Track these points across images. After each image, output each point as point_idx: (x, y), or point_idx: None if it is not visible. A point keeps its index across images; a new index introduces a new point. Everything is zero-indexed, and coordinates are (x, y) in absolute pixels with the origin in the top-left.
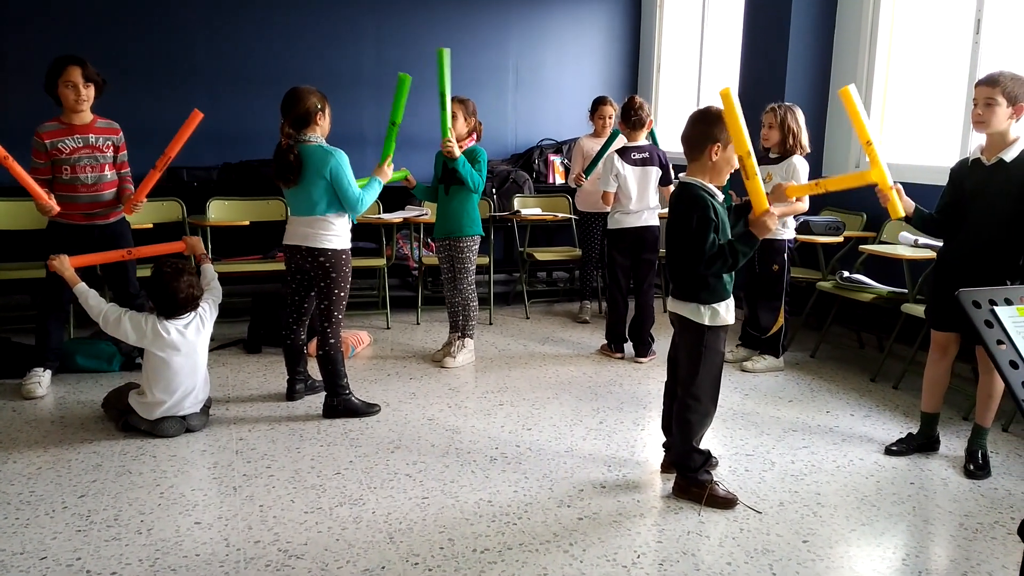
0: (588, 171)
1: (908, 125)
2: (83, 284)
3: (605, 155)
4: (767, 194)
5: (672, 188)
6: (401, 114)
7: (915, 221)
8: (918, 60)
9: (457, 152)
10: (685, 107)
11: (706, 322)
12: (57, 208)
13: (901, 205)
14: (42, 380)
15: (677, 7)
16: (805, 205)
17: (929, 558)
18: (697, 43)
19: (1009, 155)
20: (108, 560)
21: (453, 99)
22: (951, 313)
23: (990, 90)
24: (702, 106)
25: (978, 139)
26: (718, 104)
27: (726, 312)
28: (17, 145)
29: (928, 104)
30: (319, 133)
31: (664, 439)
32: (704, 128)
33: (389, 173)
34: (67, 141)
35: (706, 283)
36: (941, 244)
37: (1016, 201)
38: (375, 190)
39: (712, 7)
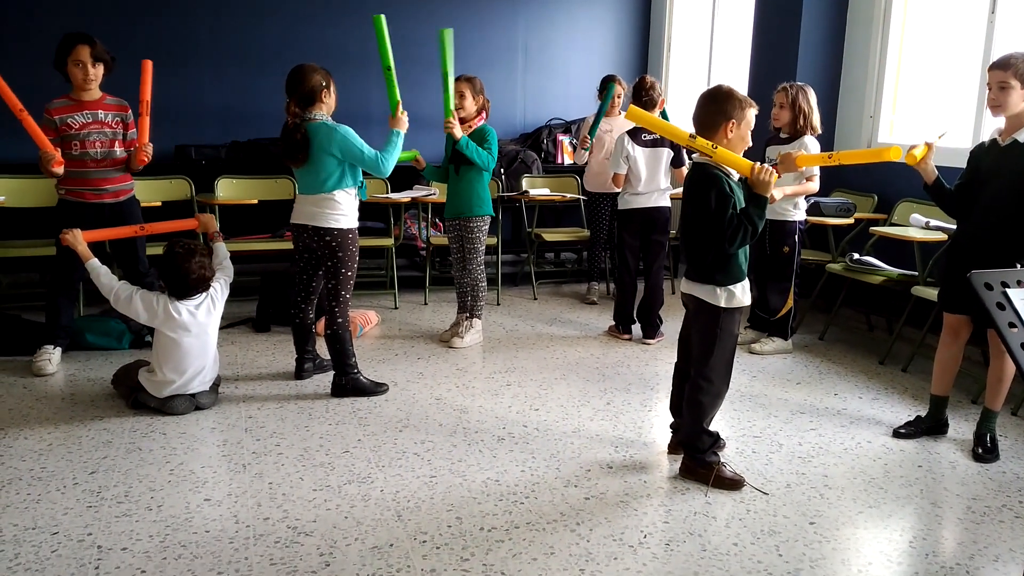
0: (592, 132)
1: (921, 106)
2: (95, 260)
3: (598, 126)
4: (776, 164)
5: (685, 170)
6: (390, 57)
7: (932, 190)
8: (932, 40)
9: (458, 132)
10: (696, 87)
11: (722, 304)
12: (60, 160)
13: (923, 163)
14: (52, 357)
15: None
16: (815, 186)
17: (936, 541)
18: (708, 22)
19: (1023, 136)
20: (119, 536)
21: (461, 77)
22: (963, 295)
23: (1003, 73)
24: (711, 85)
25: (991, 119)
26: (729, 83)
27: (742, 294)
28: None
29: (942, 85)
30: (324, 111)
31: (672, 420)
32: (717, 107)
33: (404, 121)
34: (77, 117)
35: (722, 264)
36: (953, 227)
37: None
38: (395, 144)
39: None
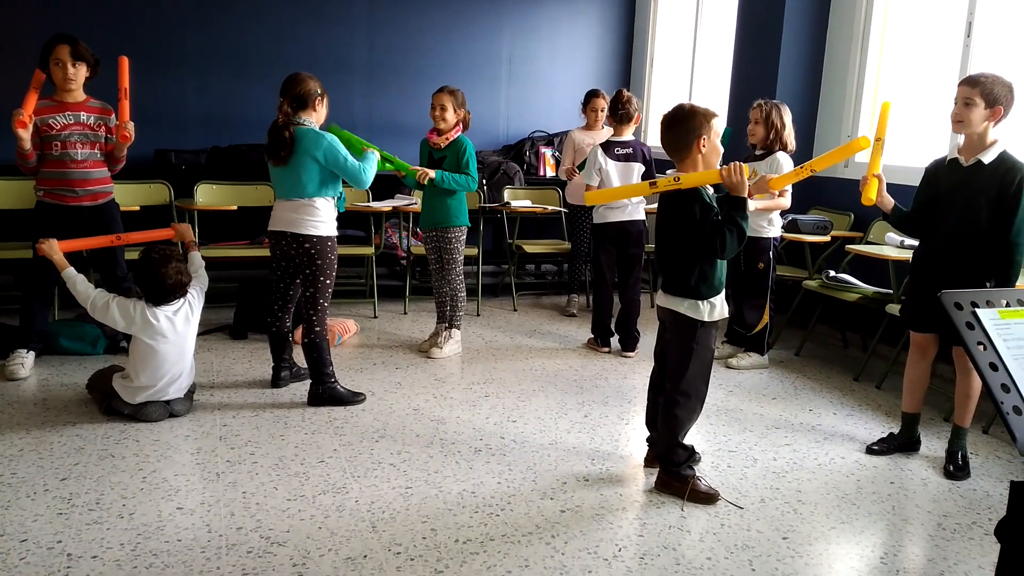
0: (582, 166)
1: (898, 126)
2: (72, 269)
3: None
4: (750, 185)
5: None
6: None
7: (892, 219)
8: (909, 62)
9: (432, 173)
10: (677, 102)
11: (704, 317)
12: (26, 121)
13: (879, 197)
14: (25, 361)
15: (671, 1)
16: (787, 202)
17: (907, 557)
18: (691, 38)
19: (987, 157)
20: (89, 544)
21: (444, 89)
22: (929, 314)
23: (969, 90)
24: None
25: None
26: (698, 102)
27: (722, 306)
28: (4, 121)
29: (919, 106)
30: (314, 119)
31: (648, 434)
32: (684, 126)
33: (376, 154)
34: (58, 118)
35: (705, 277)
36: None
37: (993, 202)
38: (372, 162)
39: (706, 2)
